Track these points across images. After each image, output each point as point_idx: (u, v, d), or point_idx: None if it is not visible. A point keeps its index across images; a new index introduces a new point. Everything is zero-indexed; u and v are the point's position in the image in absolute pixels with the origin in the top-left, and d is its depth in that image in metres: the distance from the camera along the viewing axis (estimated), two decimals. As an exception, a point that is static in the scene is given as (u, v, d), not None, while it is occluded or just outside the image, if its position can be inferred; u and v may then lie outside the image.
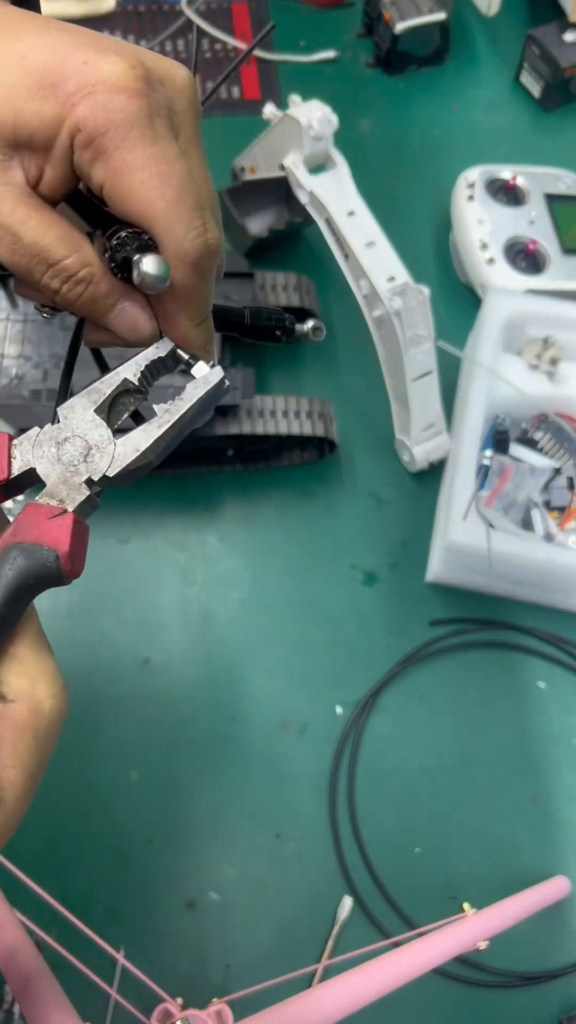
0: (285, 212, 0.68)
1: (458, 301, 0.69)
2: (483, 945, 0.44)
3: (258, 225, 0.68)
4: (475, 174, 0.70)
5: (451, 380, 0.63)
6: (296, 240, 0.71)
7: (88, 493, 0.24)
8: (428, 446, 0.61)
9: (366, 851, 0.52)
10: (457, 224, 0.69)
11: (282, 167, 0.61)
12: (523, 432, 0.61)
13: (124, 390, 0.26)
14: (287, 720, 0.55)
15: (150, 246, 0.24)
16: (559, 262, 0.67)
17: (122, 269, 0.25)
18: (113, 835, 0.52)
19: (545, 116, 0.80)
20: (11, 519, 0.24)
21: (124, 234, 0.24)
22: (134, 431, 0.26)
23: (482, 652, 0.58)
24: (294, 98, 0.59)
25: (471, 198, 0.68)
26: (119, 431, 0.26)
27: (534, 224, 0.68)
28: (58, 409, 0.25)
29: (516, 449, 0.61)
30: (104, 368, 0.27)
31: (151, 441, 0.26)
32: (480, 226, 0.67)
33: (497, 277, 0.66)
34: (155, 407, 0.26)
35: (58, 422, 0.25)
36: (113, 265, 0.25)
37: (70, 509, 0.24)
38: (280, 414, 0.59)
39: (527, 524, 0.58)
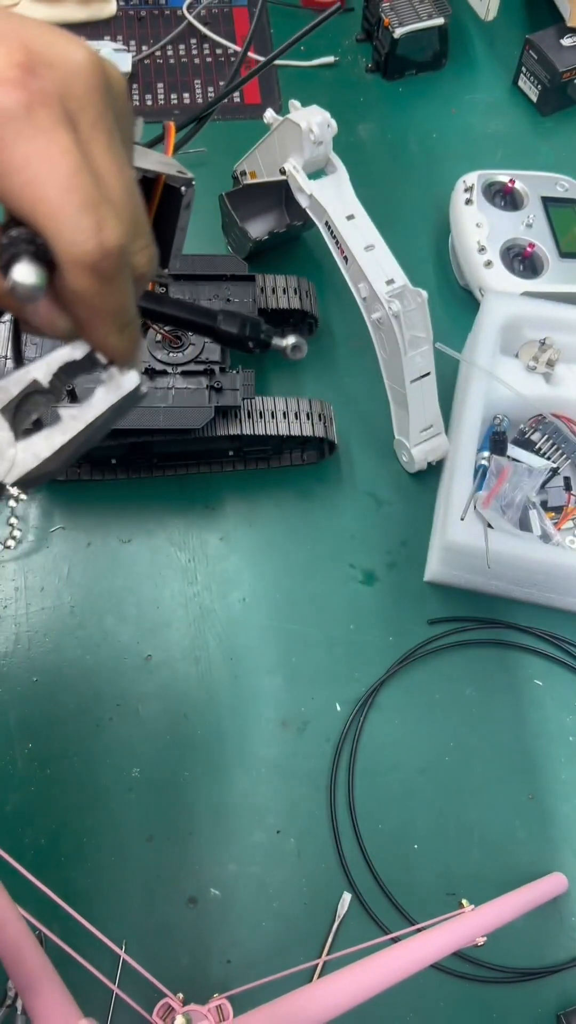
0: (285, 216, 0.68)
1: (456, 304, 0.70)
2: (481, 941, 0.44)
3: (258, 228, 0.68)
4: (473, 178, 0.70)
5: (449, 382, 0.64)
6: (296, 243, 0.71)
7: None
8: (427, 447, 0.61)
9: (365, 848, 0.53)
10: (455, 227, 0.70)
11: (282, 171, 0.62)
12: (521, 433, 0.62)
13: (34, 391, 0.24)
14: (287, 718, 0.56)
15: (37, 250, 0.22)
16: (556, 265, 0.67)
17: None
18: (115, 832, 0.52)
19: (543, 120, 0.80)
20: None
21: (14, 233, 0.22)
22: (36, 436, 0.24)
23: (480, 650, 0.59)
24: (294, 103, 0.60)
25: (469, 202, 0.69)
26: (26, 432, 0.24)
27: (531, 227, 0.69)
28: None
29: (513, 450, 0.61)
30: (19, 363, 0.25)
31: (53, 450, 0.24)
32: (478, 229, 0.68)
33: (495, 280, 0.66)
34: (61, 411, 0.24)
35: None
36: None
37: None
38: (280, 415, 0.59)
39: (524, 524, 0.58)
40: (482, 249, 0.67)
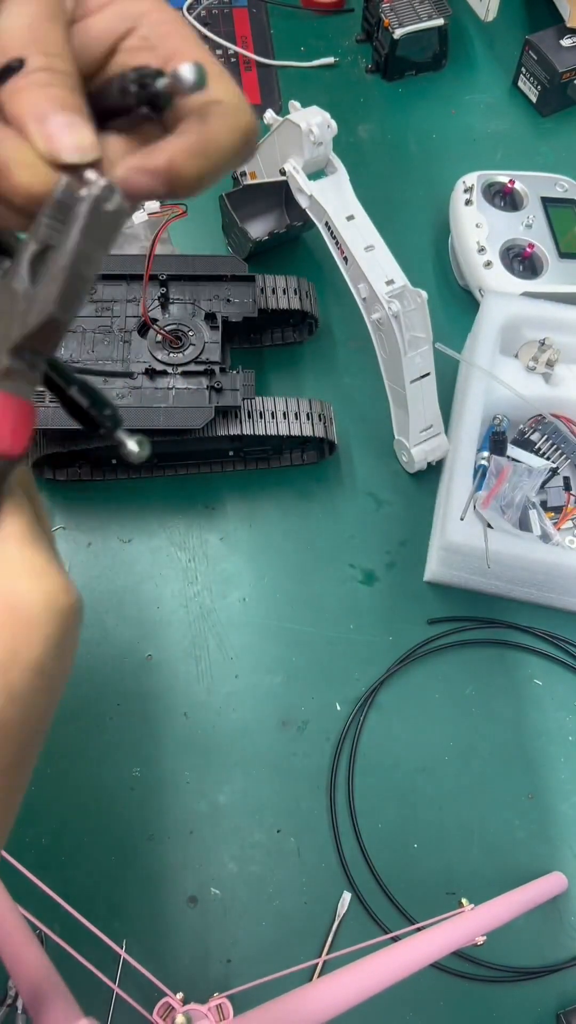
0: (285, 216, 0.68)
1: (456, 304, 0.70)
2: (481, 940, 0.44)
3: (258, 229, 0.68)
4: (473, 178, 0.70)
5: (449, 382, 0.64)
6: (296, 244, 0.72)
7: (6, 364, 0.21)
8: (426, 447, 0.61)
9: (365, 847, 0.53)
10: (455, 228, 0.70)
11: (282, 172, 0.62)
12: (520, 433, 0.62)
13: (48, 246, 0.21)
14: (287, 717, 0.56)
15: None
16: (556, 265, 0.67)
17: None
18: (115, 831, 0.52)
19: (542, 121, 0.80)
20: None
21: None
22: (41, 282, 0.22)
23: (479, 650, 0.59)
24: (294, 104, 0.60)
25: (469, 202, 0.69)
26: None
27: (531, 228, 0.69)
28: None
29: (513, 450, 0.61)
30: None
31: (50, 294, 0.21)
32: (478, 230, 0.68)
33: (494, 280, 0.66)
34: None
35: None
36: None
37: None
38: (280, 415, 0.60)
39: (524, 524, 0.58)
40: (482, 249, 0.67)
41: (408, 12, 0.78)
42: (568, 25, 0.78)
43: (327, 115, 0.59)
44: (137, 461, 0.24)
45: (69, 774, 0.54)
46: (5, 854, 0.45)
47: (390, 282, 0.56)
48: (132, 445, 0.24)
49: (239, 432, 0.58)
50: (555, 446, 0.61)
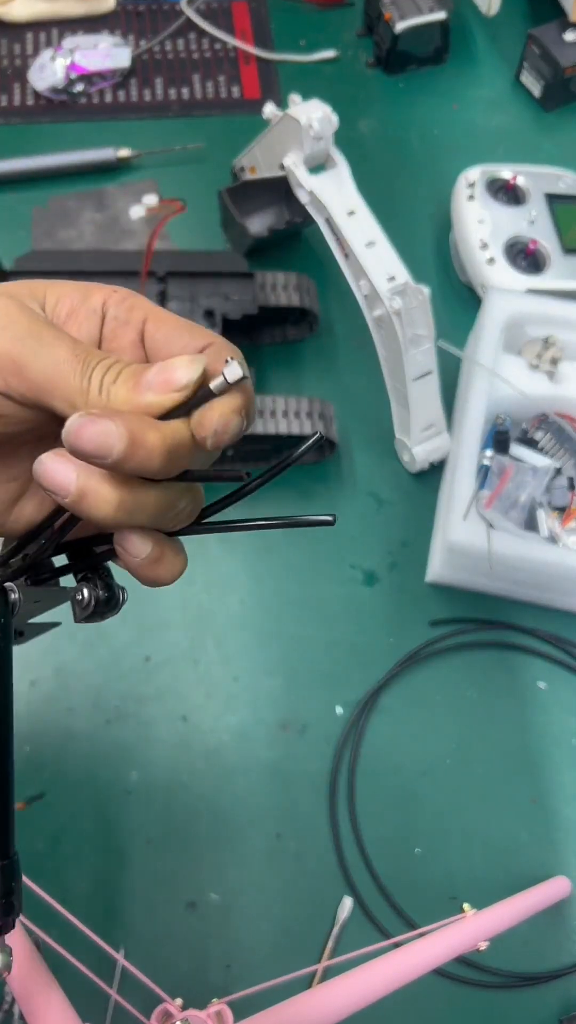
0: (285, 212, 0.68)
1: (458, 301, 0.69)
2: (483, 945, 0.44)
3: (258, 225, 0.68)
4: (475, 173, 0.70)
5: (451, 380, 0.63)
6: (296, 240, 0.71)
7: None
8: (428, 446, 0.61)
9: (366, 851, 0.52)
10: (457, 224, 0.69)
11: (282, 167, 0.61)
12: (523, 432, 0.61)
13: None
14: (287, 720, 0.55)
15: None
16: (559, 262, 0.67)
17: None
18: (113, 836, 0.52)
19: (545, 115, 0.80)
20: None
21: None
22: None
23: (482, 652, 0.58)
24: (294, 97, 0.59)
25: (471, 198, 0.68)
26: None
27: (534, 224, 0.68)
28: None
29: (516, 449, 0.60)
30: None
31: None
32: (480, 226, 0.67)
33: (497, 277, 0.66)
34: None
35: None
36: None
37: None
38: (280, 414, 0.59)
39: (530, 525, 0.58)
40: (484, 246, 0.67)
41: (409, 5, 0.77)
42: (571, 19, 0.77)
43: (328, 109, 0.59)
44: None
45: (66, 778, 0.53)
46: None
47: (391, 279, 0.56)
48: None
49: (238, 431, 0.58)
50: (559, 445, 0.61)
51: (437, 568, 0.59)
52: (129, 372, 0.22)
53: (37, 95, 0.77)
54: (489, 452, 0.59)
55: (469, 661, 0.58)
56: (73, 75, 0.77)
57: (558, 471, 0.60)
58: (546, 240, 0.67)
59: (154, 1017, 0.41)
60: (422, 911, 0.51)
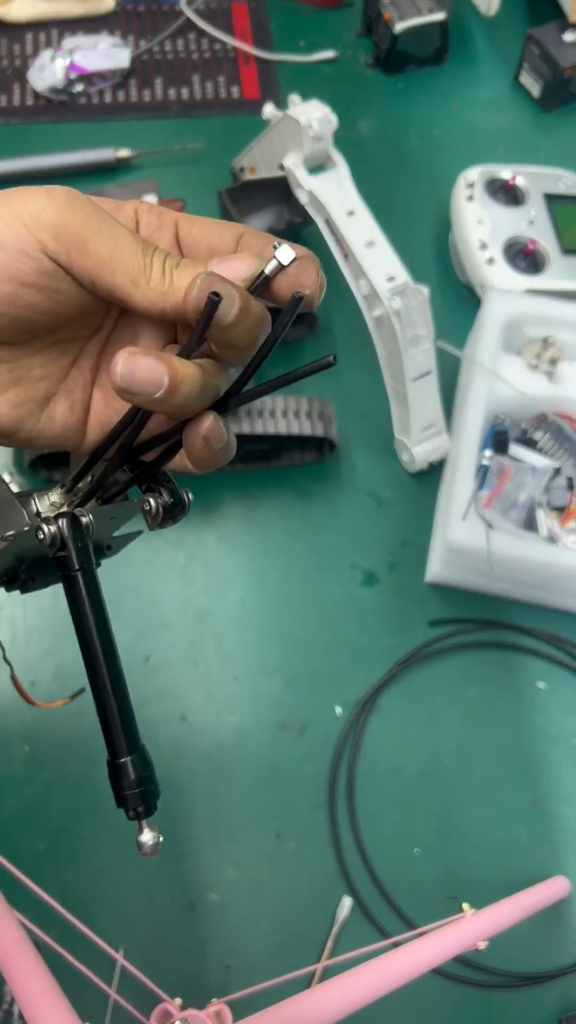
0: (285, 212, 0.68)
1: (458, 301, 0.69)
2: (482, 945, 0.44)
3: (258, 225, 0.68)
4: (475, 174, 0.70)
5: (451, 380, 0.63)
6: (296, 240, 0.71)
7: None
8: (428, 446, 0.61)
9: (366, 851, 0.52)
10: (457, 224, 0.69)
11: (282, 167, 0.61)
12: (523, 432, 0.61)
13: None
14: (287, 720, 0.55)
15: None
16: (558, 262, 0.67)
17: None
18: (112, 835, 0.52)
19: (544, 116, 0.80)
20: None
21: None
22: None
23: (482, 652, 0.58)
24: (294, 98, 0.59)
25: (471, 198, 0.68)
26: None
27: (533, 224, 0.68)
28: None
29: (516, 449, 0.60)
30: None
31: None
32: (480, 226, 0.67)
33: (497, 277, 0.66)
34: None
35: None
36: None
37: None
38: (280, 414, 0.59)
39: (529, 525, 0.58)
40: (484, 246, 0.67)
41: (409, 6, 0.77)
42: (570, 20, 0.77)
43: (327, 109, 0.59)
44: (146, 852, 0.25)
45: (66, 778, 0.53)
46: (1, 859, 0.45)
47: (391, 279, 0.56)
48: (146, 836, 0.25)
49: (238, 431, 0.58)
50: (558, 445, 0.61)
51: (437, 568, 0.59)
52: (188, 261, 0.24)
53: (37, 95, 0.77)
54: (488, 452, 0.59)
55: (468, 661, 0.58)
56: (73, 75, 0.77)
57: (557, 471, 0.60)
58: (545, 240, 0.67)
59: (154, 1017, 0.41)
60: (421, 911, 0.51)
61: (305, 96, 0.59)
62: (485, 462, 0.58)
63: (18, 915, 0.43)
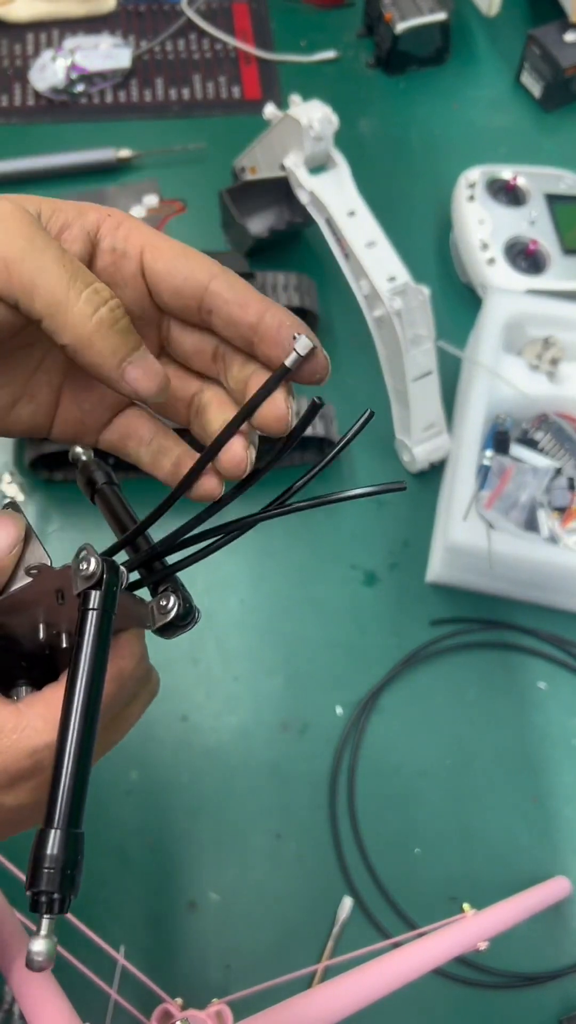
0: (286, 212, 0.68)
1: (459, 301, 0.69)
2: (483, 946, 0.44)
3: (259, 225, 0.68)
4: (476, 174, 0.70)
5: (451, 380, 0.63)
6: (297, 240, 0.71)
7: None
8: (428, 446, 0.61)
9: (366, 851, 0.52)
10: (458, 224, 0.69)
11: (283, 167, 0.61)
12: (523, 432, 0.61)
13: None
14: (287, 720, 0.55)
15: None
16: (560, 262, 0.67)
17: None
18: (113, 835, 0.52)
19: (546, 116, 0.80)
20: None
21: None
22: None
23: (482, 652, 0.58)
24: (295, 98, 0.59)
25: (472, 198, 0.68)
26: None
27: (535, 224, 0.68)
28: None
29: (516, 449, 0.60)
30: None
31: None
32: (481, 226, 0.67)
33: (498, 277, 0.66)
34: None
35: None
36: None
37: None
38: (280, 414, 0.59)
39: (530, 525, 0.58)
40: (485, 246, 0.67)
41: (410, 6, 0.77)
42: (571, 20, 0.77)
43: (328, 110, 0.59)
44: (35, 965, 0.20)
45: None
46: (1, 858, 0.45)
47: (392, 279, 0.56)
48: (39, 944, 0.20)
49: (239, 431, 0.58)
50: (559, 445, 0.61)
51: (437, 568, 0.59)
52: (116, 307, 0.23)
53: (38, 95, 0.77)
54: (489, 452, 0.59)
55: (469, 661, 0.58)
56: (74, 75, 0.77)
57: (558, 471, 0.60)
58: (546, 240, 0.67)
59: (154, 1017, 0.41)
60: (422, 911, 0.51)
61: (306, 96, 0.59)
62: (486, 462, 0.58)
63: (18, 915, 0.43)
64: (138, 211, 0.73)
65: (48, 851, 0.21)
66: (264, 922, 0.50)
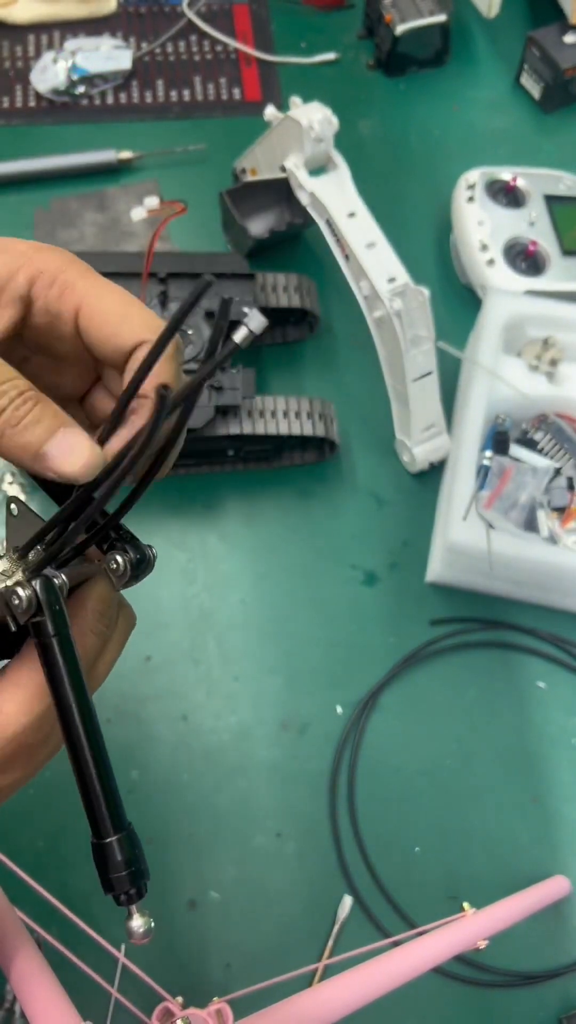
0: (286, 213, 0.68)
1: (458, 302, 0.69)
2: (483, 944, 0.44)
3: (259, 226, 0.68)
4: (475, 175, 0.70)
5: (451, 381, 0.64)
6: (297, 241, 0.71)
7: None
8: (428, 446, 0.61)
9: (366, 850, 0.52)
10: (457, 225, 0.69)
11: (283, 168, 0.61)
12: (523, 433, 0.62)
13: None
14: (287, 720, 0.55)
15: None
16: (559, 263, 0.67)
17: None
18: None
19: (545, 117, 0.80)
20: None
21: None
22: None
23: (482, 652, 0.58)
24: (295, 100, 0.60)
25: (471, 199, 0.69)
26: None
27: (534, 225, 0.68)
28: None
29: (516, 449, 0.61)
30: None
31: None
32: (480, 227, 0.68)
33: (497, 278, 0.66)
34: None
35: None
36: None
37: None
38: (281, 414, 0.59)
39: (530, 525, 0.58)
40: (484, 247, 0.67)
41: (410, 8, 0.77)
42: (571, 22, 0.77)
43: (328, 111, 0.59)
44: (136, 940, 0.23)
45: (66, 776, 0.53)
46: (2, 857, 0.45)
47: (392, 280, 0.56)
48: (136, 922, 0.23)
49: (239, 431, 0.58)
50: (558, 445, 0.61)
51: (437, 568, 0.59)
52: (29, 424, 0.22)
53: (39, 97, 0.78)
54: (489, 452, 0.59)
55: (469, 661, 0.58)
56: (75, 77, 0.77)
57: (557, 471, 0.60)
58: (546, 242, 0.67)
59: (155, 1015, 0.41)
60: (422, 910, 0.51)
61: (306, 98, 0.60)
62: (486, 462, 0.58)
63: (19, 913, 0.43)
64: (139, 212, 0.73)
65: (110, 861, 0.23)
66: (264, 921, 0.51)
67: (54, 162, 0.73)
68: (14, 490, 0.60)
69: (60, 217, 0.72)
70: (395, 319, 0.55)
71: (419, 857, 0.52)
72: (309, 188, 0.60)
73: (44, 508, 0.25)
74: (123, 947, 0.47)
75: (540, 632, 0.59)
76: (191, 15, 0.82)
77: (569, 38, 0.77)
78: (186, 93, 0.79)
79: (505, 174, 0.70)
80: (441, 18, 0.77)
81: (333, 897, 0.51)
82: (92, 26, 0.81)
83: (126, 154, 0.73)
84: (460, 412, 0.61)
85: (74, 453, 0.22)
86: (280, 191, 0.66)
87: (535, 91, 0.80)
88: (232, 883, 0.51)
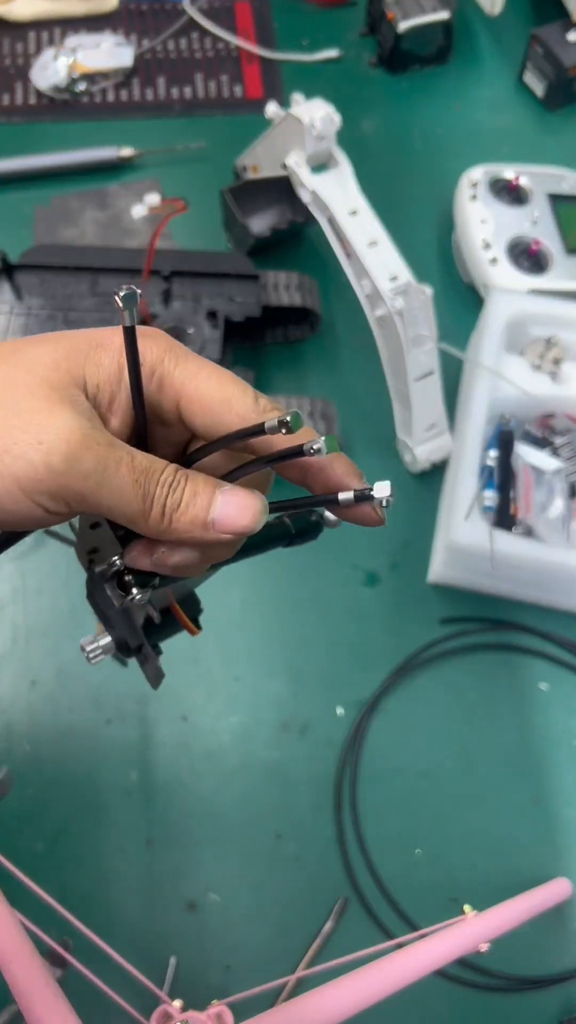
0: (288, 211, 0.67)
1: (461, 301, 0.69)
2: (484, 947, 0.43)
3: (260, 224, 0.68)
4: (478, 173, 0.69)
5: (453, 380, 0.63)
6: (298, 239, 0.71)
7: None
8: (430, 446, 0.61)
9: (368, 852, 0.52)
10: (460, 224, 0.69)
11: (284, 166, 0.61)
12: (526, 432, 0.61)
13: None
14: (288, 721, 0.55)
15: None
16: (562, 262, 0.66)
17: None
18: (113, 835, 0.52)
19: (548, 115, 0.79)
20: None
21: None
22: None
23: (483, 653, 0.58)
24: (297, 97, 0.59)
25: (474, 198, 0.68)
26: None
27: (537, 224, 0.68)
28: None
29: (521, 449, 0.60)
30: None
31: None
32: (483, 226, 0.67)
33: (500, 277, 0.66)
34: None
35: None
36: None
37: None
38: (282, 414, 0.59)
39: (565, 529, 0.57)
40: (487, 246, 0.67)
41: (413, 5, 0.77)
42: (574, 20, 0.77)
43: (331, 108, 0.58)
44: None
45: (66, 778, 0.53)
46: (1, 858, 0.45)
47: (394, 278, 0.56)
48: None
49: (240, 430, 0.57)
50: (563, 445, 0.60)
51: (439, 568, 0.58)
52: (190, 501, 0.23)
53: (39, 94, 0.77)
54: (493, 452, 0.59)
55: (470, 662, 0.58)
56: (76, 74, 0.77)
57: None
58: (549, 240, 0.67)
59: (154, 1018, 0.41)
60: (423, 912, 0.51)
61: (308, 95, 0.59)
62: (490, 462, 0.58)
63: (18, 915, 0.43)
64: (139, 210, 0.73)
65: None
66: (264, 923, 0.50)
67: (55, 159, 0.73)
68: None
69: (61, 215, 0.71)
70: (397, 318, 0.55)
71: (421, 859, 0.52)
72: (311, 186, 0.59)
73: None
74: (122, 949, 0.47)
75: (542, 633, 0.58)
76: (192, 12, 0.81)
77: (573, 36, 0.76)
78: (187, 90, 0.79)
79: (508, 172, 0.70)
80: (444, 15, 0.77)
81: (333, 899, 0.51)
82: (93, 23, 0.81)
83: (127, 151, 0.73)
84: (462, 412, 0.60)
85: (242, 510, 0.24)
86: (282, 189, 0.66)
87: (538, 89, 0.79)
88: (232, 885, 0.51)
